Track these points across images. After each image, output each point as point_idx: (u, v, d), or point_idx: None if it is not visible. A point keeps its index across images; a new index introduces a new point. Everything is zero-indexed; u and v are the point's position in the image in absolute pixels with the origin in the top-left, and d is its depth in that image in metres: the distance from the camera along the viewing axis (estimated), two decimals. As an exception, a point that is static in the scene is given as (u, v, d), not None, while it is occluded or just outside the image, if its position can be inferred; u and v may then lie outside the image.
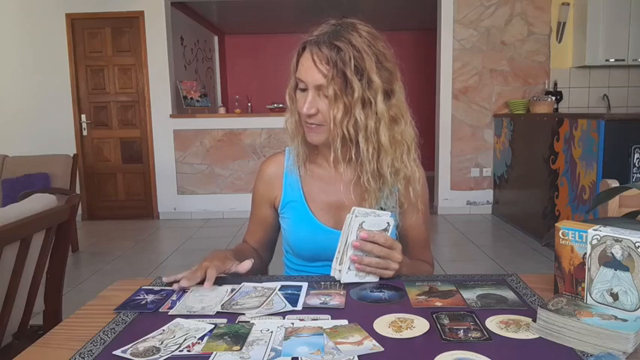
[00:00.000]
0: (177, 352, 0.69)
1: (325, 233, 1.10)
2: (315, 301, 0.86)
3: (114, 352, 0.70)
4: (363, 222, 0.93)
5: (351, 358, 0.66)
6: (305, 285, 0.94)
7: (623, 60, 4.68)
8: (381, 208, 1.08)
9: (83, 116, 5.22)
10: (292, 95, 1.06)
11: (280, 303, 0.86)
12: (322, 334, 0.73)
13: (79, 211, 5.12)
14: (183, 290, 0.93)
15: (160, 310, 0.85)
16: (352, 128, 1.00)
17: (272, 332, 0.74)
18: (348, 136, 1.01)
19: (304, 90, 1.02)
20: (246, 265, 0.98)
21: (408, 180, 1.08)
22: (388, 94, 1.02)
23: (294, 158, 1.14)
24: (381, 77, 0.99)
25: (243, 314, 0.81)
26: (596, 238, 0.76)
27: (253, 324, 0.77)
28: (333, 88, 0.97)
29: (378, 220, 0.94)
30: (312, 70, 0.99)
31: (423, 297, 0.88)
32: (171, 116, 5.16)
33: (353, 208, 0.96)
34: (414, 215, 1.15)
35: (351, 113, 0.99)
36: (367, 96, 0.98)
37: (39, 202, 1.39)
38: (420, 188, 1.10)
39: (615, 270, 0.75)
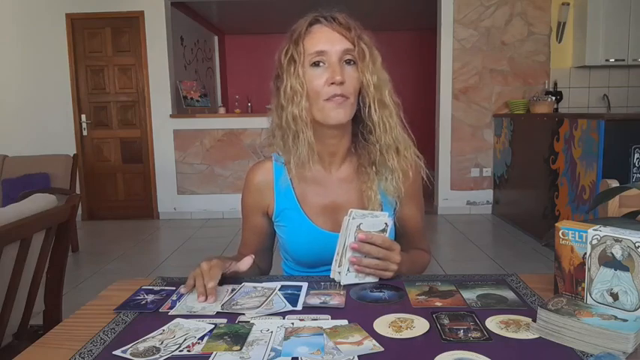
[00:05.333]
0: (177, 352, 0.69)
1: (324, 237, 1.07)
2: (315, 301, 0.86)
3: (114, 352, 0.70)
4: (361, 224, 0.93)
5: (351, 358, 0.66)
6: (305, 285, 0.94)
7: (623, 60, 4.68)
8: (381, 206, 1.08)
9: (83, 116, 5.22)
10: (301, 79, 1.00)
11: (280, 303, 0.86)
12: (322, 334, 0.73)
13: (79, 211, 5.11)
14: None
15: (160, 310, 0.85)
16: (373, 96, 1.02)
17: (272, 332, 0.74)
18: (363, 108, 1.03)
19: (317, 65, 1.00)
20: (246, 262, 0.96)
21: (407, 149, 1.08)
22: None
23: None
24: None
25: (243, 314, 0.81)
26: (596, 238, 0.76)
27: (253, 324, 0.77)
28: (362, 50, 1.00)
29: (375, 221, 0.94)
30: (333, 37, 1.00)
31: (423, 297, 0.88)
32: (171, 116, 5.15)
33: (350, 210, 0.96)
34: (410, 205, 1.14)
35: (378, 77, 1.02)
36: (381, 61, 1.03)
37: (39, 202, 1.39)
38: (413, 156, 1.10)
39: (615, 270, 0.75)
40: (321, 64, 1.00)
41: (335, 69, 0.98)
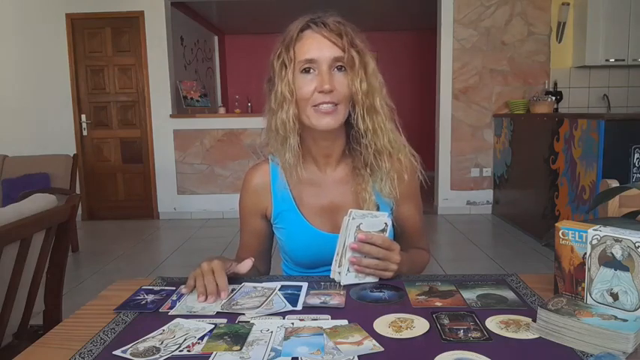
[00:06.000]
0: (177, 352, 0.69)
1: (322, 239, 1.07)
2: (315, 301, 0.86)
3: (114, 352, 0.70)
4: (361, 224, 0.93)
5: (351, 358, 0.66)
6: (305, 285, 0.94)
7: (623, 60, 4.68)
8: (377, 207, 1.08)
9: (83, 116, 5.22)
10: (290, 86, 1.00)
11: (280, 303, 0.86)
12: (322, 334, 0.73)
13: (79, 211, 5.11)
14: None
15: (160, 310, 0.85)
16: (363, 103, 1.01)
17: (272, 332, 0.74)
18: (354, 115, 1.02)
19: (308, 72, 1.00)
20: (246, 264, 0.96)
21: (401, 150, 1.09)
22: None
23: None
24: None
25: (243, 314, 0.81)
26: (596, 238, 0.76)
27: (253, 324, 0.77)
28: (352, 57, 0.99)
29: (375, 221, 0.94)
30: (324, 44, 0.99)
31: (423, 297, 0.88)
32: (171, 116, 5.15)
33: (350, 210, 0.96)
34: (408, 205, 1.14)
35: (368, 84, 1.01)
36: (374, 66, 1.03)
37: (39, 202, 1.39)
38: (408, 157, 1.10)
39: (615, 270, 0.75)
40: (311, 70, 1.00)
41: (324, 77, 0.98)
